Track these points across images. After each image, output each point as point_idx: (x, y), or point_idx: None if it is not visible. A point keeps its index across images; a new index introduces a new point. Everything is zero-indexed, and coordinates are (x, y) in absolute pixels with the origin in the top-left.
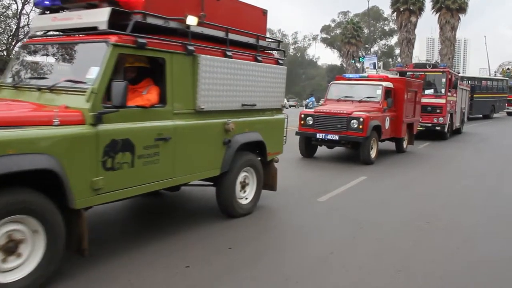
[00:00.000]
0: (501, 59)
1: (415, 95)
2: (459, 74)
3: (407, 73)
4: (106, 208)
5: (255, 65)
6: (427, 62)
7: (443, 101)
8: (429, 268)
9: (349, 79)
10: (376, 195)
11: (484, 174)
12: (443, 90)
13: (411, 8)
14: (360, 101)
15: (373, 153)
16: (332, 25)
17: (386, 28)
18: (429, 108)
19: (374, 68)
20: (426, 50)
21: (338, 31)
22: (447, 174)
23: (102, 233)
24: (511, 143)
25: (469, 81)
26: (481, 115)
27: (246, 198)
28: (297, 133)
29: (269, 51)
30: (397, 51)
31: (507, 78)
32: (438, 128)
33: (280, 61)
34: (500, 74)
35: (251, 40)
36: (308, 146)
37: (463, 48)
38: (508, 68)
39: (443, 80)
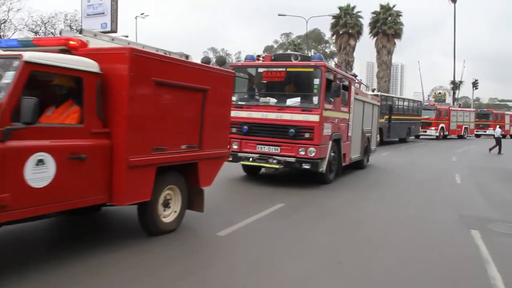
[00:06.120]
0: (434, 83)
1: (203, 99)
2: (358, 77)
3: (259, 69)
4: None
5: None
6: (292, 52)
7: (316, 118)
8: None
9: None
10: (289, 228)
11: None
12: (315, 99)
13: (350, 31)
14: None
15: None
16: (275, 46)
17: (327, 50)
18: (291, 130)
19: None
20: (366, 73)
21: (280, 51)
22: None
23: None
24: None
25: (387, 101)
26: (397, 139)
27: None
28: None
29: None
30: None
31: (421, 100)
32: (306, 166)
33: None
34: (433, 98)
35: None
36: None
37: (400, 72)
38: (440, 92)
39: (317, 81)
